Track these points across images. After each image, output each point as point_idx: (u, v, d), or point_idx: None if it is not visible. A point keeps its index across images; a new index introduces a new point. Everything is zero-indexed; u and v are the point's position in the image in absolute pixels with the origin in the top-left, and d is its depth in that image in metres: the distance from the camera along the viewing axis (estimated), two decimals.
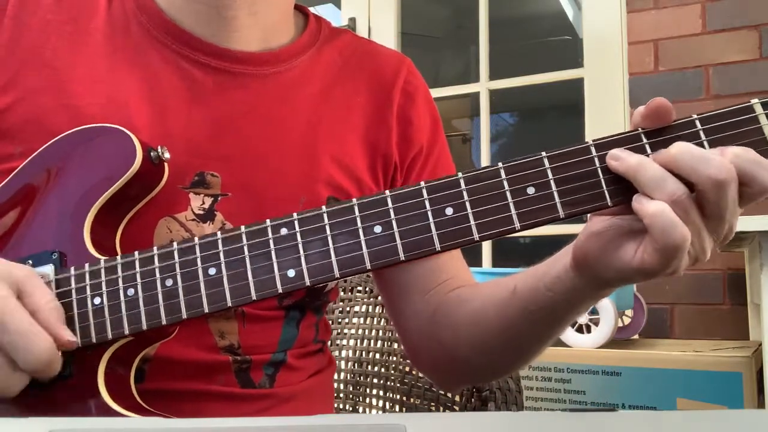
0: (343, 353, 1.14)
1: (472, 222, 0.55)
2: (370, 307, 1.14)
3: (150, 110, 0.69)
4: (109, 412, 0.58)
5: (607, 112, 2.21)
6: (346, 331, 1.15)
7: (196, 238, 0.59)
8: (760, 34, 2.02)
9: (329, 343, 0.93)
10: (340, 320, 1.17)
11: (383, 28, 2.62)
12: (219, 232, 0.59)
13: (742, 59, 2.03)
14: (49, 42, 0.71)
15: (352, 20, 2.65)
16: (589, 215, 0.57)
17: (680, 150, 0.50)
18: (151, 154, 0.64)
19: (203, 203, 0.69)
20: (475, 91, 2.51)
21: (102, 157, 0.64)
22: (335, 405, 0.94)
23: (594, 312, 1.68)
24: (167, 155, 0.65)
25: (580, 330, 1.70)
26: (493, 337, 0.69)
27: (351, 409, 1.11)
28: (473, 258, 2.35)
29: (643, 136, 0.54)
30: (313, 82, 0.77)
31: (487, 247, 2.42)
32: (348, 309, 1.17)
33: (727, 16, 2.05)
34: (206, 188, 0.69)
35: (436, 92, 2.53)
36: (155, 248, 0.60)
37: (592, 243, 0.55)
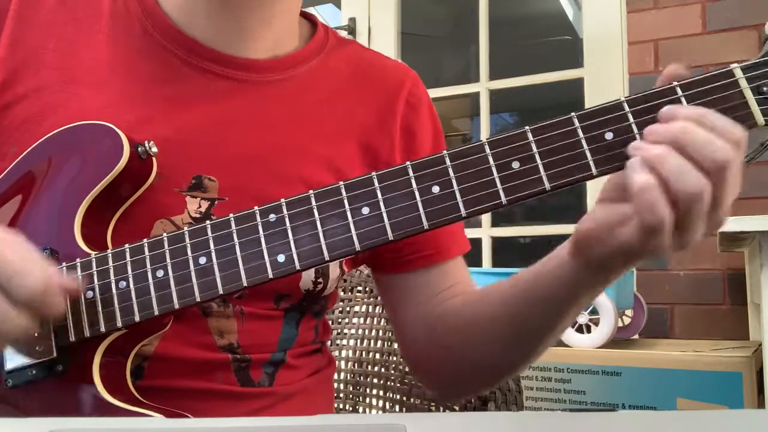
0: (343, 353, 1.13)
1: (459, 198, 0.55)
2: (370, 307, 1.14)
3: (148, 113, 0.69)
4: (106, 406, 0.58)
5: None
6: (346, 331, 1.15)
7: (185, 227, 0.59)
8: (760, 34, 2.02)
9: (329, 343, 0.93)
10: (340, 320, 1.16)
11: (383, 28, 2.62)
12: (208, 221, 0.59)
13: (742, 59, 2.02)
14: (50, 42, 0.71)
15: (352, 20, 2.65)
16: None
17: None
18: (139, 149, 0.64)
19: (200, 206, 0.68)
20: (475, 91, 2.51)
21: (90, 153, 0.64)
22: (335, 405, 0.94)
23: (594, 312, 1.68)
24: (155, 149, 0.65)
25: (580, 330, 1.70)
26: (502, 330, 0.69)
27: (351, 409, 1.11)
28: (473, 258, 2.34)
29: (624, 104, 0.54)
30: (317, 89, 0.77)
31: (487, 247, 2.42)
32: (348, 309, 1.17)
33: (727, 16, 2.05)
34: (203, 192, 0.69)
35: (436, 92, 2.53)
36: (145, 240, 0.60)
37: (591, 223, 0.55)
